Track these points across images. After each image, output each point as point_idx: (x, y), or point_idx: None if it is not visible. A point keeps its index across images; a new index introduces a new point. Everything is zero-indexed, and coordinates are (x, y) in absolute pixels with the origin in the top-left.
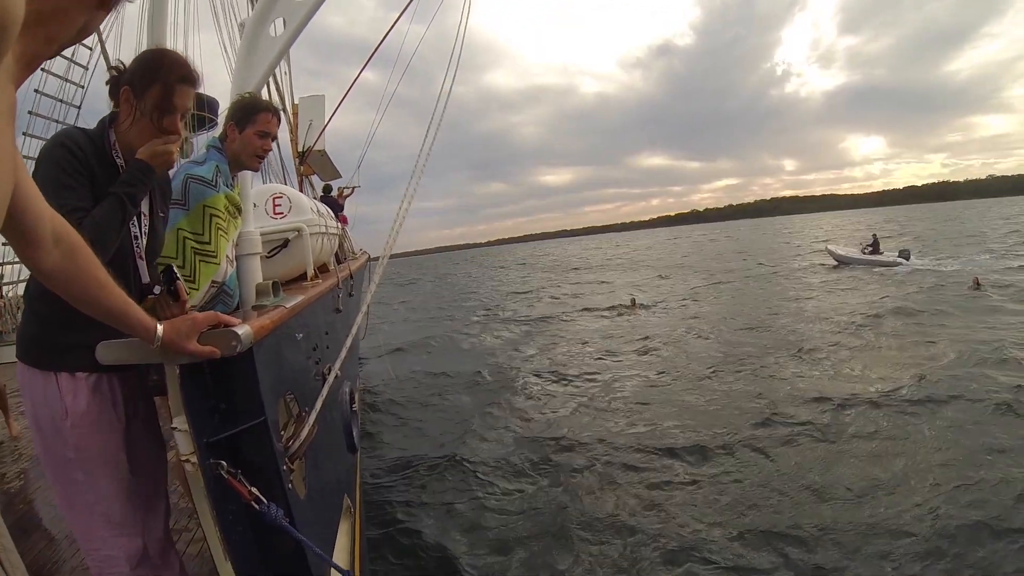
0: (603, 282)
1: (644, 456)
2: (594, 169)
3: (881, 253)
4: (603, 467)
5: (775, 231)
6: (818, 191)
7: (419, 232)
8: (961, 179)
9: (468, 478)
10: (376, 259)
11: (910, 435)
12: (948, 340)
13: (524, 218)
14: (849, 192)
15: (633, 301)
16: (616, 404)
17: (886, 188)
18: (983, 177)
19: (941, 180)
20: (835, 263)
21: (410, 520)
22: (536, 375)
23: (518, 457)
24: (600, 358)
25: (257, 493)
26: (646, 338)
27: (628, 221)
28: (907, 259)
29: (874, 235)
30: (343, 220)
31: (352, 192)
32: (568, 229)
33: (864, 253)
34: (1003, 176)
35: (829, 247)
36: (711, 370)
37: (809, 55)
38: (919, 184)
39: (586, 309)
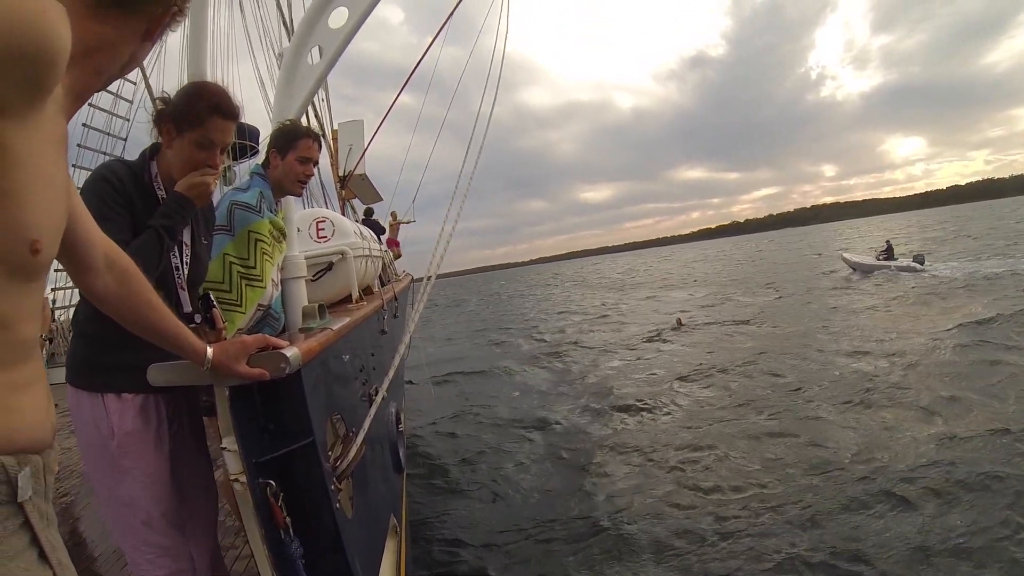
0: (650, 297)
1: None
2: (632, 184)
3: (896, 259)
4: (639, 495)
5: (822, 239)
6: (859, 196)
7: (461, 253)
8: (1006, 175)
9: (511, 504)
10: (420, 280)
11: None
12: None
13: (565, 235)
14: (891, 195)
15: (679, 321)
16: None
17: (929, 189)
18: None
19: (985, 178)
20: (851, 270)
21: (453, 540)
22: (582, 404)
23: (558, 481)
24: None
25: (288, 523)
26: (696, 364)
27: (669, 236)
28: (921, 263)
29: (887, 242)
30: (394, 244)
31: (409, 223)
32: (610, 246)
33: (878, 259)
34: None
35: (844, 255)
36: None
37: (843, 57)
38: (963, 183)
39: (633, 328)
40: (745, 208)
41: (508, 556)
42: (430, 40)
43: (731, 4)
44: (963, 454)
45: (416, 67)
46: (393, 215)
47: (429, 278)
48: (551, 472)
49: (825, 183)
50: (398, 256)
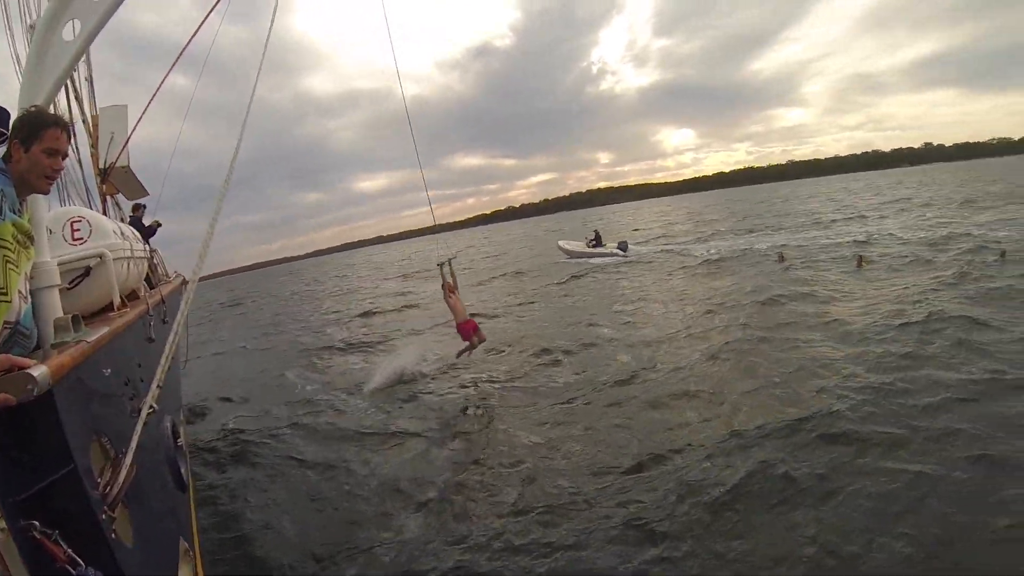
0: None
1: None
2: (410, 172)
3: (604, 245)
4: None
5: (594, 220)
6: (633, 181)
7: (238, 249)
8: (764, 164)
9: (309, 510)
10: (201, 279)
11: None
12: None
13: (343, 226)
14: (663, 180)
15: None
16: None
17: (697, 175)
18: (783, 163)
19: (747, 166)
20: (567, 257)
21: (259, 558)
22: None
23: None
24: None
25: (73, 555)
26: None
27: (445, 222)
28: (624, 250)
29: (595, 231)
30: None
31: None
32: (386, 235)
33: (588, 247)
34: (800, 161)
35: (560, 243)
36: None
37: (624, 55)
38: (727, 171)
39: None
40: (521, 193)
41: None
42: (210, 14)
43: None
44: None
45: (188, 43)
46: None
47: (190, 279)
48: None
49: (601, 169)
50: None
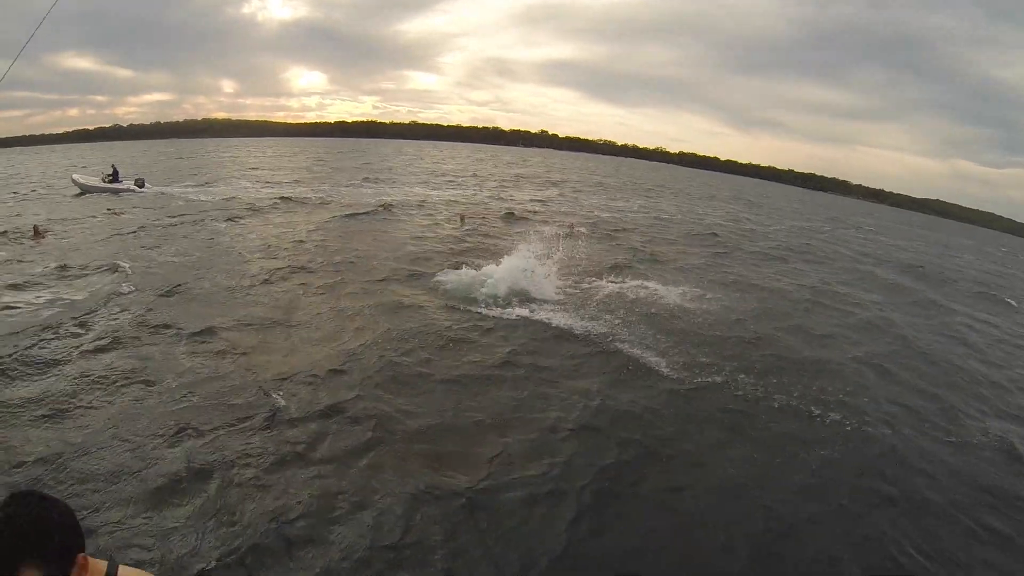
0: None
1: None
2: (3, 63)
3: (120, 182)
4: None
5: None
6: (252, 116)
7: None
8: (387, 121)
9: None
10: None
11: None
12: None
13: None
14: (283, 120)
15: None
16: None
17: (319, 120)
18: (407, 122)
19: (370, 119)
20: (79, 191)
21: None
22: None
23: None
24: None
25: None
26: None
27: (39, 134)
28: (141, 186)
29: (113, 166)
30: None
31: None
32: None
33: (105, 182)
34: (424, 124)
35: (74, 176)
36: None
37: None
38: (350, 120)
39: None
40: (132, 111)
41: None
42: None
43: None
44: None
45: None
46: None
47: None
48: None
49: (222, 98)
50: None
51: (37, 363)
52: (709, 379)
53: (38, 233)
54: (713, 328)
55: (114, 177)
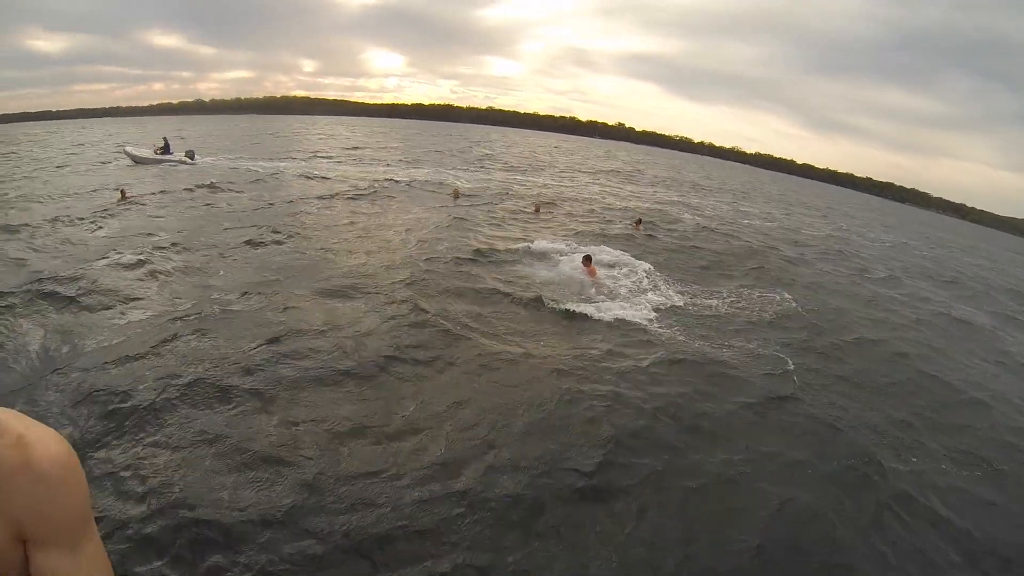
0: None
1: None
2: (96, 39)
3: (172, 154)
4: None
5: (291, 127)
6: (331, 95)
7: None
8: (464, 106)
9: None
10: None
11: None
12: None
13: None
14: (361, 100)
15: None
16: None
17: (396, 102)
18: (484, 108)
19: (446, 103)
20: (132, 163)
21: None
22: None
23: None
24: None
25: None
26: None
27: (125, 106)
28: (192, 159)
29: (164, 138)
30: None
31: None
32: (54, 111)
33: (157, 154)
34: (500, 110)
35: (127, 148)
36: None
37: None
38: (427, 103)
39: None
40: (213, 87)
41: None
42: None
43: None
44: None
45: None
46: None
47: None
48: None
49: (302, 77)
50: None
51: None
52: None
53: (124, 196)
54: None
55: (165, 149)
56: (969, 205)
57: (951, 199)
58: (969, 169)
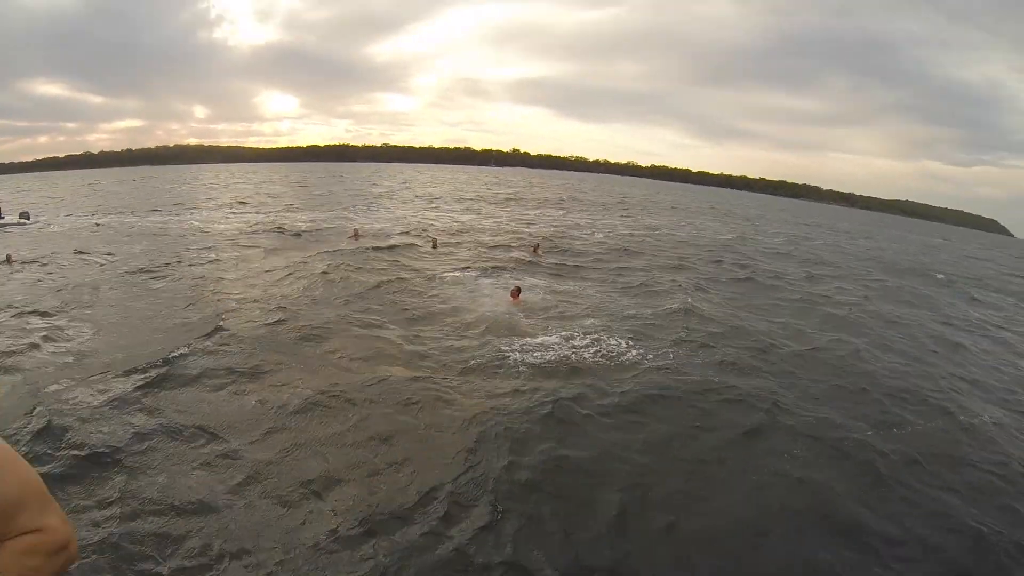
0: None
1: None
2: None
3: (3, 217)
4: None
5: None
6: (224, 142)
7: None
8: (360, 144)
9: None
10: None
11: None
12: None
13: None
14: (255, 146)
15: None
16: None
17: (291, 145)
18: (379, 144)
19: (342, 143)
20: None
21: None
22: None
23: None
24: None
25: None
26: None
27: (6, 162)
28: (28, 219)
29: None
30: None
31: None
32: None
33: None
34: (395, 146)
35: None
36: None
37: (249, 5)
38: (322, 144)
39: None
40: (103, 138)
41: None
42: None
43: None
44: None
45: None
46: None
47: None
48: None
49: (194, 124)
50: None
51: None
52: None
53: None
54: None
55: None
56: (857, 194)
57: (841, 190)
58: (854, 160)
